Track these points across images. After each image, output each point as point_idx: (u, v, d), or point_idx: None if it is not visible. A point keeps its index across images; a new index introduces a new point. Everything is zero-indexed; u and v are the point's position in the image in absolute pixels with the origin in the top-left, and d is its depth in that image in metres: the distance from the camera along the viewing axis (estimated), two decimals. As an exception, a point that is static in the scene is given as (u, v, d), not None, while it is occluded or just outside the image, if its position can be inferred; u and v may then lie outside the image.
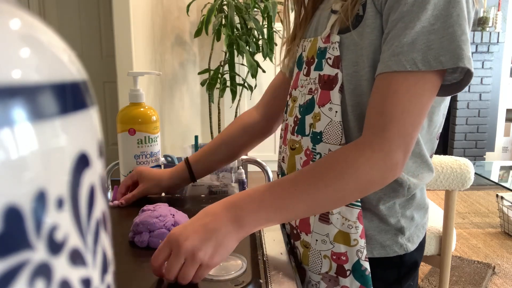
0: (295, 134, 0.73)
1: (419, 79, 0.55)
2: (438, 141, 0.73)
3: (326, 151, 0.66)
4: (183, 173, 0.90)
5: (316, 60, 0.69)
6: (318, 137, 0.67)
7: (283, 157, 0.77)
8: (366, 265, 0.65)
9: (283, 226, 0.83)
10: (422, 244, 0.73)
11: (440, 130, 0.73)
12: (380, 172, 0.57)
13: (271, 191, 0.58)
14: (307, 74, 0.71)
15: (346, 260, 0.66)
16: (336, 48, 0.64)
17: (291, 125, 0.75)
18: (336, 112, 0.65)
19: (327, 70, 0.66)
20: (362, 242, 0.65)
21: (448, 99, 0.70)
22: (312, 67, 0.69)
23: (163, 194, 1.03)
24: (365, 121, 0.59)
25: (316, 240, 0.69)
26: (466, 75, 0.58)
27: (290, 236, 0.78)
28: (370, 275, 0.65)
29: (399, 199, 0.67)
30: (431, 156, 0.72)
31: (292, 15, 0.80)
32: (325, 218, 0.67)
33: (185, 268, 0.54)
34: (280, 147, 0.80)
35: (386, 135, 0.56)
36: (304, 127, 0.70)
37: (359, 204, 0.65)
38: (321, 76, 0.67)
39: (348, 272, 0.66)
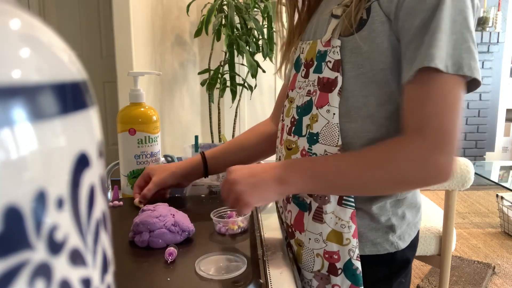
0: (292, 134, 0.74)
1: (448, 80, 0.57)
2: None
3: (321, 152, 0.68)
4: (198, 165, 0.91)
5: (315, 62, 0.69)
6: (315, 137, 0.68)
7: (280, 157, 0.79)
8: (358, 264, 0.67)
9: (282, 224, 0.83)
10: (414, 243, 0.74)
11: None
12: (420, 170, 0.58)
13: (318, 161, 0.65)
14: (306, 76, 0.72)
15: (338, 259, 0.68)
16: (337, 52, 0.65)
17: (287, 126, 0.76)
18: (334, 114, 0.66)
19: (327, 73, 0.67)
20: (354, 241, 0.66)
21: None
22: (311, 70, 0.70)
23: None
24: (404, 122, 0.61)
25: (309, 239, 0.70)
26: (471, 85, 0.61)
27: (287, 235, 0.79)
28: (361, 275, 0.67)
29: (390, 199, 0.69)
30: None
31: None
32: (319, 217, 0.69)
33: (228, 193, 0.66)
34: (277, 147, 0.82)
35: (426, 134, 0.57)
36: (301, 128, 0.71)
37: (353, 204, 0.66)
38: (320, 79, 0.68)
39: (339, 271, 0.68)
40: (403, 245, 0.70)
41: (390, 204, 0.69)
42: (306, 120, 0.70)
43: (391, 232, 0.69)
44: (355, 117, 0.66)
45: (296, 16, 0.80)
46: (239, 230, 0.75)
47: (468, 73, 0.56)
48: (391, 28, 0.61)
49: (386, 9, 0.61)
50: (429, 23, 0.57)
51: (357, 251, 0.67)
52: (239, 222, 0.75)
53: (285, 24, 0.82)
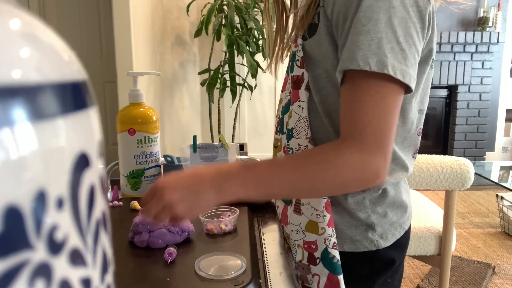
0: (278, 133, 0.78)
1: (377, 82, 0.57)
2: (420, 137, 0.74)
3: (296, 146, 0.70)
4: None
5: (290, 63, 0.73)
6: (290, 133, 0.71)
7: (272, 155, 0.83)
8: (334, 253, 0.67)
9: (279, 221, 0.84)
10: (400, 243, 0.73)
11: (420, 126, 0.74)
12: (360, 174, 0.58)
13: (255, 169, 0.61)
14: (289, 78, 0.75)
15: (316, 249, 0.69)
16: (301, 50, 0.69)
17: (275, 125, 0.80)
18: (303, 108, 0.69)
19: (296, 70, 0.70)
20: (329, 230, 0.68)
21: (420, 95, 0.70)
22: (289, 70, 0.74)
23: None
24: (341, 125, 0.61)
25: (292, 231, 0.72)
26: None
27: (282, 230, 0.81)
28: (339, 263, 0.67)
29: (368, 194, 0.69)
30: (415, 153, 0.73)
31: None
32: (297, 209, 0.71)
33: (162, 213, 0.58)
34: None
35: (362, 139, 0.57)
36: (283, 126, 0.75)
37: None
38: (292, 77, 0.71)
39: (317, 260, 0.69)
40: (384, 244, 0.70)
41: (369, 201, 0.69)
42: (286, 118, 0.74)
43: (371, 230, 0.69)
44: (319, 113, 0.68)
45: (284, 19, 0.81)
46: (225, 231, 0.75)
47: (391, 73, 0.55)
48: (332, 31, 0.63)
49: (328, 13, 0.63)
50: (350, 24, 0.58)
51: (333, 240, 0.67)
52: (222, 224, 0.75)
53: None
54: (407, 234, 0.75)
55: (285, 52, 0.80)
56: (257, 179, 0.60)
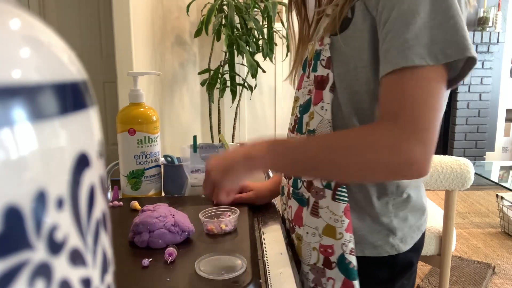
0: (295, 132, 0.76)
1: (427, 73, 0.55)
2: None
3: None
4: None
5: (313, 62, 0.71)
6: (311, 134, 0.70)
7: None
8: (351, 258, 0.67)
9: (283, 222, 0.84)
10: (418, 245, 0.73)
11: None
12: (390, 156, 0.55)
13: (286, 141, 0.65)
14: (308, 75, 0.73)
15: (332, 253, 0.68)
16: (327, 49, 0.67)
17: (291, 124, 0.78)
18: (326, 110, 0.67)
19: (320, 70, 0.68)
20: (347, 236, 0.67)
21: None
22: (310, 69, 0.72)
23: (162, 194, 1.03)
24: (379, 111, 0.59)
25: (307, 233, 0.71)
26: (467, 63, 0.57)
27: (289, 230, 0.80)
28: (355, 269, 0.67)
29: (392, 199, 0.68)
30: None
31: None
32: (315, 211, 0.70)
33: (206, 184, 0.66)
34: None
35: (398, 120, 0.55)
36: (302, 126, 0.73)
37: (346, 199, 0.67)
38: (316, 77, 0.69)
39: (333, 264, 0.68)
40: (404, 247, 0.70)
41: (392, 206, 0.69)
42: (305, 118, 0.72)
43: (392, 234, 0.69)
44: (344, 114, 0.67)
45: (306, 24, 0.81)
46: (225, 231, 0.74)
47: (468, 54, 0.54)
48: (373, 25, 0.61)
49: (369, 5, 0.61)
50: (410, 18, 0.56)
51: (350, 245, 0.67)
52: (222, 224, 0.75)
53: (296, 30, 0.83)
54: (423, 235, 0.75)
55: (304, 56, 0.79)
56: (284, 149, 0.62)
